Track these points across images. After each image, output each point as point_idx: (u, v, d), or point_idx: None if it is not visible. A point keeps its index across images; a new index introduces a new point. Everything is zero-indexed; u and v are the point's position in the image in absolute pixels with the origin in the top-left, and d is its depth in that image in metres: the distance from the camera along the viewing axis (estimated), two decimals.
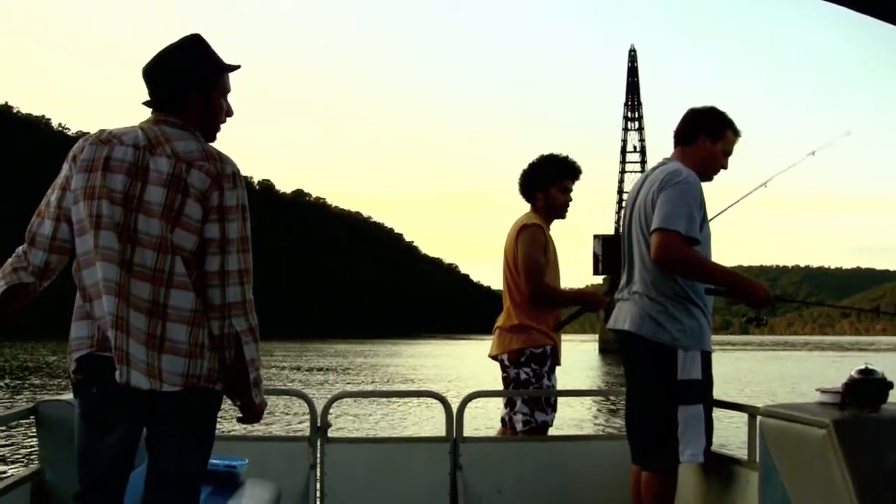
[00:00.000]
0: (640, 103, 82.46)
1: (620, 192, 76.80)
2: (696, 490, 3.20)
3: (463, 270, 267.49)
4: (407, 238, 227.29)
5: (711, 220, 3.34)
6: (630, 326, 3.18)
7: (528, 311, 3.87)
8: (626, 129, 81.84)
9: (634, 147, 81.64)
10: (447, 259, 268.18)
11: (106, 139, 2.26)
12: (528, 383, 3.82)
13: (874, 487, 2.11)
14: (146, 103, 2.33)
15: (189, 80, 2.29)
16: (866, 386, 2.36)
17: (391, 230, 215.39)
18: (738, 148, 3.35)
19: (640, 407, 3.22)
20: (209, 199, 2.19)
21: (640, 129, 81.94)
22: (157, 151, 2.22)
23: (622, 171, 79.12)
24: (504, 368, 3.92)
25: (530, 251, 3.84)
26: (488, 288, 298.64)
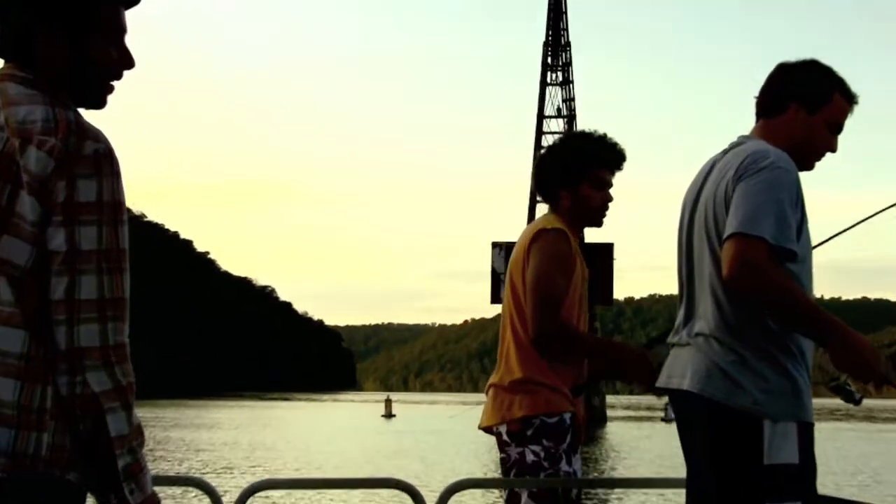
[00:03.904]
0: (567, 43, 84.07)
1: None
2: None
3: (283, 297, 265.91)
4: (200, 248, 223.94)
5: (818, 246, 3.50)
6: (691, 385, 3.29)
7: (538, 360, 3.97)
8: (545, 83, 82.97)
9: (558, 109, 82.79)
10: (260, 279, 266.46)
11: None
12: (539, 468, 3.93)
13: None
14: None
15: (42, 13, 2.31)
16: None
17: (175, 234, 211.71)
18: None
19: (707, 502, 3.33)
20: (52, 192, 2.20)
21: (568, 83, 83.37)
22: None
23: (538, 147, 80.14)
24: (502, 446, 4.02)
25: (547, 268, 3.96)
26: (320, 323, 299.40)
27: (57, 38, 2.33)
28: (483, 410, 4.14)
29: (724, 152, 3.46)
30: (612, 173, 4.22)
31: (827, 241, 3.72)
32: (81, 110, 2.37)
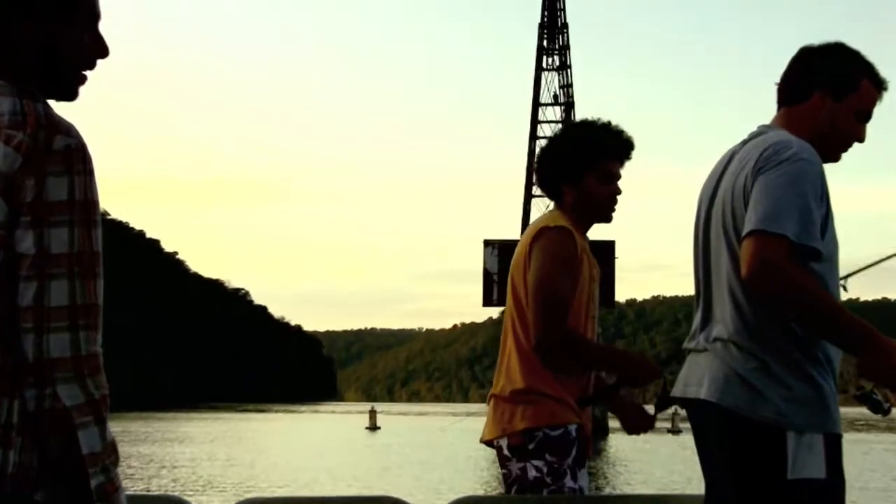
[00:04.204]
0: (565, 24, 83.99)
1: (531, 171, 77.83)
2: None
3: (257, 300, 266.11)
4: (168, 247, 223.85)
5: (849, 277, 3.53)
6: (708, 393, 3.30)
7: (542, 368, 3.99)
8: (540, 68, 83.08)
9: (555, 96, 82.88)
10: (233, 281, 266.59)
11: None
12: (541, 484, 3.95)
13: None
14: None
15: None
16: None
17: (141, 233, 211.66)
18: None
19: None
20: (20, 190, 2.20)
21: (565, 68, 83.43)
22: None
23: (534, 137, 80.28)
24: (503, 461, 4.05)
25: (550, 269, 3.98)
26: (298, 329, 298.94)
27: (26, 24, 2.33)
28: (485, 423, 4.15)
29: (744, 143, 3.46)
30: (620, 164, 4.24)
31: (869, 266, 3.71)
32: (52, 102, 2.37)
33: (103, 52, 2.43)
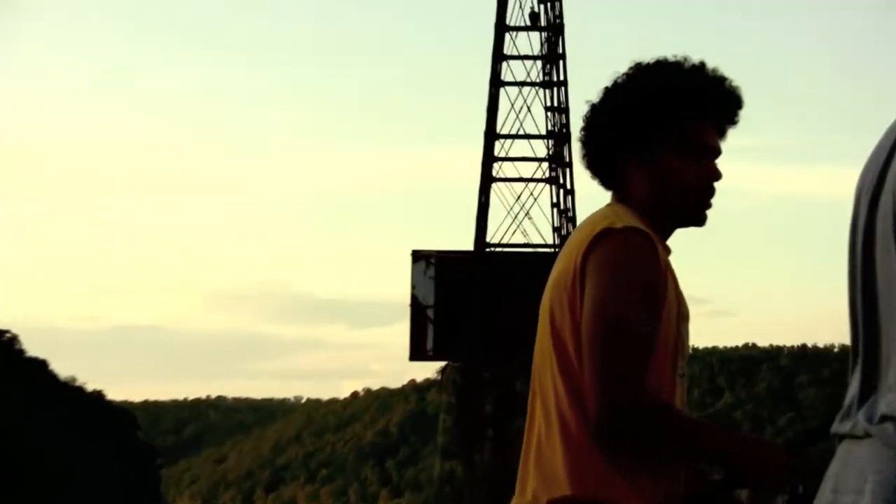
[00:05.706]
0: None
1: (491, 141, 78.21)
2: None
3: (32, 350, 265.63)
4: None
5: None
6: None
7: (601, 461, 4.02)
8: None
9: (532, 16, 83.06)
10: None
11: None
12: None
13: None
14: None
15: None
16: None
17: None
18: None
19: None
20: None
21: None
22: None
23: (497, 83, 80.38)
24: None
25: (619, 293, 4.01)
26: (98, 397, 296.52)
27: None
28: None
29: None
30: (720, 133, 4.29)
31: None
32: None
33: None
